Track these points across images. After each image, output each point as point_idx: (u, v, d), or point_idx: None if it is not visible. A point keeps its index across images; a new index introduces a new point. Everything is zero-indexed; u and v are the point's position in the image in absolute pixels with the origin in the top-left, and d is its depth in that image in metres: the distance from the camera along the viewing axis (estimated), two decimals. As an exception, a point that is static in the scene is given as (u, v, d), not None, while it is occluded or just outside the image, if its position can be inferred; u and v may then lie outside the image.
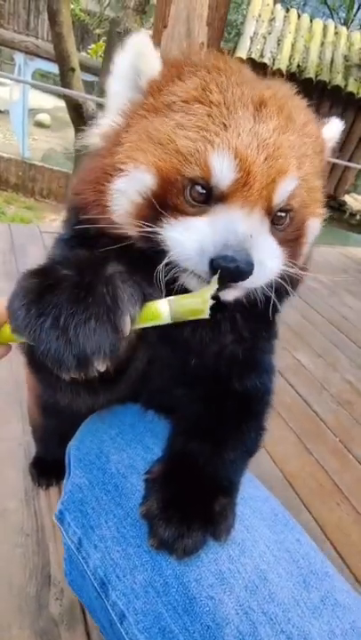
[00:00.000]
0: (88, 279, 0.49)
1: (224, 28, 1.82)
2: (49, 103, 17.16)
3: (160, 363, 0.71)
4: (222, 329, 0.70)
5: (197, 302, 0.50)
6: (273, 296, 0.61)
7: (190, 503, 0.67)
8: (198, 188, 0.56)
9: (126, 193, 0.60)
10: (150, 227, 0.57)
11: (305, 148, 0.61)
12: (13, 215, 11.41)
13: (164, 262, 0.57)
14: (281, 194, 0.57)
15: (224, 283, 0.53)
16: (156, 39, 1.77)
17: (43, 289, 0.47)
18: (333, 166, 6.69)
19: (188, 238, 0.55)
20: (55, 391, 0.59)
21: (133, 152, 0.60)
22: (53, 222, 9.22)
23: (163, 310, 0.50)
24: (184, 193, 0.57)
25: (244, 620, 0.58)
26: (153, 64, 0.63)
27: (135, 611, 0.62)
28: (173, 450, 0.75)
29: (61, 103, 17.60)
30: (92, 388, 0.52)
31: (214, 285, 0.50)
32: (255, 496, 0.77)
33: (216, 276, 0.51)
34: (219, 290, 0.53)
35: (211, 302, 0.50)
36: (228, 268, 0.51)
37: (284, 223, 0.61)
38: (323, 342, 3.07)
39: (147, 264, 0.57)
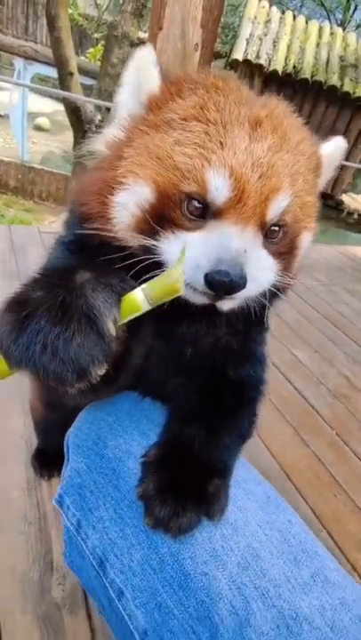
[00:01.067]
0: (61, 297, 0.50)
1: (218, 30, 1.87)
2: (48, 107, 17.26)
3: (156, 356, 0.74)
4: (217, 322, 0.74)
5: (170, 281, 0.50)
6: (266, 302, 0.65)
7: (185, 484, 0.69)
8: (195, 203, 0.59)
9: (127, 206, 0.63)
10: (149, 239, 0.60)
11: (298, 166, 0.63)
12: (13, 218, 11.47)
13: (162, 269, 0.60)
14: (274, 210, 0.60)
15: (219, 295, 0.56)
16: (152, 41, 1.81)
17: (22, 320, 0.49)
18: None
19: (188, 248, 0.57)
20: (63, 397, 0.64)
21: (134, 167, 0.63)
22: (52, 224, 9.27)
23: (140, 299, 0.51)
24: (181, 207, 0.60)
25: (236, 595, 0.61)
26: (153, 80, 0.66)
27: (133, 587, 0.66)
28: (169, 435, 0.78)
29: (60, 107, 17.71)
30: (96, 388, 0.54)
31: (180, 265, 0.51)
32: (248, 479, 0.80)
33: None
34: (215, 300, 0.57)
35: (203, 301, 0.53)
36: (222, 282, 0.54)
37: (277, 237, 0.63)
38: (319, 338, 3.10)
39: (117, 264, 0.59)
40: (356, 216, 6.99)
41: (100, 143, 0.73)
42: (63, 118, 16.96)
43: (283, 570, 0.65)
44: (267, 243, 0.62)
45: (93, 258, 0.64)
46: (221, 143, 0.58)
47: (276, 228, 0.63)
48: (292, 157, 0.62)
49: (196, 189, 0.58)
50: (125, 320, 0.53)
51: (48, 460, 1.59)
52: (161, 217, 0.60)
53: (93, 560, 0.71)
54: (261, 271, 0.60)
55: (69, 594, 1.27)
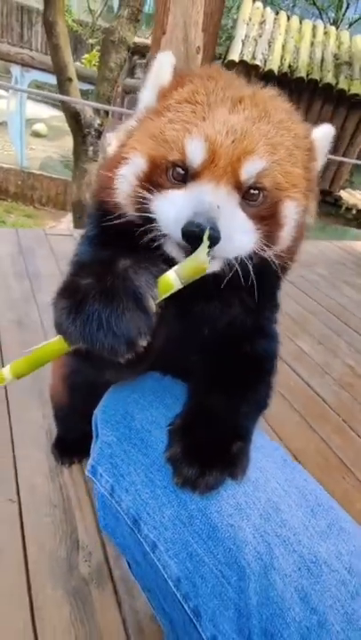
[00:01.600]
0: (109, 281, 0.59)
1: (218, 33, 1.95)
2: (45, 113, 17.40)
3: (176, 336, 0.80)
4: (231, 302, 0.80)
5: (197, 263, 0.58)
6: (252, 272, 0.67)
7: (210, 447, 0.75)
8: (178, 170, 0.67)
9: (126, 177, 0.72)
10: (142, 202, 0.68)
11: (280, 138, 0.69)
12: (13, 223, 11.58)
13: (155, 233, 0.67)
14: (247, 171, 0.65)
15: (195, 248, 0.60)
16: (155, 45, 1.89)
17: (78, 304, 0.57)
18: (328, 163, 6.81)
19: (167, 208, 0.65)
20: (104, 372, 0.73)
21: (135, 144, 0.72)
22: (53, 228, 9.37)
23: (173, 279, 0.60)
24: (167, 173, 0.68)
25: (260, 543, 0.67)
26: (166, 75, 0.76)
27: (165, 540, 0.72)
28: (192, 405, 0.83)
29: (57, 112, 17.86)
30: (132, 363, 0.61)
31: (205, 246, 0.58)
32: (266, 445, 0.87)
33: (205, 242, 0.58)
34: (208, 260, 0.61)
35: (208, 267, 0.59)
36: (194, 232, 0.59)
37: (257, 200, 0.68)
38: (323, 330, 3.17)
39: (149, 251, 0.68)
40: (354, 211, 7.06)
41: (121, 132, 0.82)
42: (60, 124, 17.13)
43: (301, 520, 0.71)
44: (245, 205, 0.67)
45: (112, 243, 0.72)
46: (204, 118, 0.66)
47: (256, 192, 0.67)
48: (273, 129, 0.68)
49: (178, 157, 0.66)
50: (162, 298, 0.60)
51: (68, 448, 1.66)
52: (152, 183, 0.68)
53: (128, 519, 0.77)
54: (237, 231, 0.64)
55: (96, 570, 1.34)
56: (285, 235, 0.74)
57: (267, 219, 0.70)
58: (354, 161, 6.18)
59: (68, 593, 1.26)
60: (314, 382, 2.54)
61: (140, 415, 0.84)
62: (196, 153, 0.64)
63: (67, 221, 11.95)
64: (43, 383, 1.99)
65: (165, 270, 0.61)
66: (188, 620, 0.69)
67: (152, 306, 0.58)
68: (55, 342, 0.62)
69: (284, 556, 0.66)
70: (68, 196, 12.69)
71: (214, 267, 0.68)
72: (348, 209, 7.03)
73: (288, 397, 2.34)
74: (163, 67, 0.76)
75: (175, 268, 0.61)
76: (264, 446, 0.84)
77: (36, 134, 16.19)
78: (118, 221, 0.72)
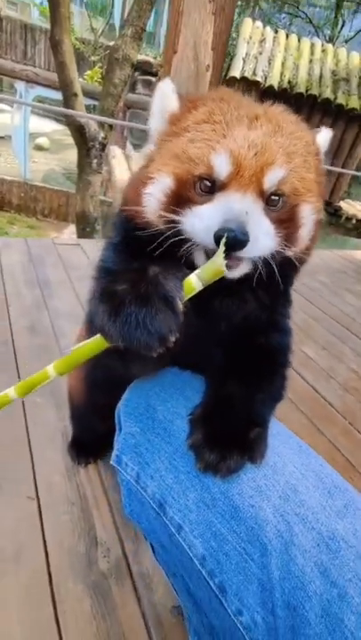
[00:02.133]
0: (143, 288, 0.66)
1: (226, 52, 2.05)
2: (47, 127, 17.74)
3: (194, 332, 0.87)
4: (246, 299, 0.86)
5: (215, 266, 0.66)
6: (276, 270, 0.74)
7: (229, 433, 0.80)
8: (205, 182, 0.73)
9: (154, 195, 0.78)
10: (172, 219, 0.74)
11: (294, 148, 0.76)
12: (16, 234, 11.72)
13: (185, 244, 0.74)
14: (270, 179, 0.72)
15: (228, 252, 0.66)
16: (167, 63, 1.99)
17: (116, 308, 0.65)
18: (328, 174, 6.96)
19: (198, 221, 0.72)
20: (133, 366, 0.82)
21: (159, 165, 0.78)
22: (56, 239, 9.48)
23: (194, 282, 0.67)
24: (195, 187, 0.74)
25: (280, 521, 0.71)
26: (172, 102, 0.82)
27: (190, 522, 0.75)
28: (211, 395, 0.88)
29: (59, 127, 18.19)
30: (158, 358, 0.67)
31: (221, 251, 0.65)
32: (282, 432, 0.91)
33: (222, 247, 0.65)
34: (225, 264, 0.67)
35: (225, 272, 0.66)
36: (228, 237, 0.66)
37: (277, 205, 0.75)
38: (327, 336, 3.23)
39: (173, 259, 0.74)
40: (354, 221, 7.19)
41: (141, 156, 0.91)
42: (62, 137, 17.45)
43: (319, 500, 0.75)
44: (268, 210, 0.73)
45: (137, 251, 0.78)
46: (224, 135, 0.73)
47: (276, 197, 0.74)
48: (287, 140, 0.75)
49: (204, 170, 0.72)
50: (186, 299, 0.68)
51: (84, 448, 1.71)
52: (180, 198, 0.75)
53: (153, 504, 0.81)
54: (262, 233, 0.71)
55: (114, 565, 1.37)
56: (304, 234, 0.81)
57: (286, 221, 0.76)
58: (353, 172, 6.32)
59: (88, 587, 1.30)
60: (320, 386, 2.59)
61: (162, 407, 0.88)
62: (222, 166, 0.71)
63: (69, 232, 12.09)
64: (56, 386, 2.04)
65: (188, 274, 0.68)
66: (214, 596, 0.73)
67: (180, 307, 0.65)
68: (94, 341, 0.68)
69: (304, 533, 0.70)
70: (70, 207, 12.88)
71: (243, 269, 0.75)
72: (348, 219, 7.16)
73: (295, 401, 2.39)
74: (166, 94, 0.83)
75: (196, 271, 0.68)
76: (280, 433, 0.88)
77: (39, 147, 16.48)
78: (148, 232, 0.78)
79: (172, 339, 0.65)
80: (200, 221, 0.71)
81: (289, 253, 0.77)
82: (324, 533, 0.70)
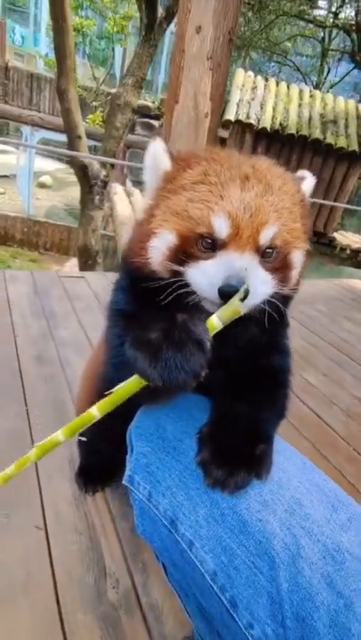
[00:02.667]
0: (177, 336, 0.73)
1: (223, 101, 2.23)
2: (50, 166, 18.51)
3: None
4: (249, 324, 0.92)
5: (233, 307, 0.74)
6: (280, 305, 0.84)
7: (236, 450, 0.83)
8: (206, 240, 0.81)
9: (159, 248, 0.86)
10: (176, 270, 0.83)
11: (283, 203, 0.84)
12: (19, 267, 11.96)
13: (190, 295, 0.82)
14: (264, 238, 0.80)
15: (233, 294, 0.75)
16: (170, 112, 2.17)
17: (155, 354, 0.72)
18: (321, 207, 7.26)
19: (202, 276, 0.80)
20: (161, 398, 0.88)
21: (161, 222, 0.86)
22: (61, 271, 9.68)
23: (215, 322, 0.75)
24: (197, 244, 0.81)
25: (287, 534, 0.74)
26: (165, 162, 0.90)
27: (200, 537, 0.78)
28: (217, 414, 0.92)
29: (61, 166, 18.95)
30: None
31: (239, 296, 0.73)
32: (286, 449, 0.94)
33: (238, 295, 0.74)
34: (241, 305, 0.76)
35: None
36: (230, 292, 0.74)
37: (271, 257, 0.83)
38: (327, 363, 3.28)
39: (178, 304, 0.82)
40: (348, 251, 7.42)
41: (141, 210, 0.98)
42: (64, 175, 18.16)
43: (323, 514, 0.77)
44: (263, 262, 0.82)
45: (145, 297, 0.86)
46: (221, 196, 0.80)
47: (270, 250, 0.83)
48: (277, 198, 0.83)
49: (206, 230, 0.80)
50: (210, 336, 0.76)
51: (91, 476, 1.72)
52: (183, 253, 0.83)
53: (165, 521, 0.84)
54: (259, 284, 0.79)
55: (123, 596, 1.35)
56: (295, 275, 0.90)
57: (280, 268, 0.85)
58: (344, 205, 6.59)
59: (98, 618, 1.28)
60: (322, 413, 2.61)
61: (171, 427, 0.92)
62: (222, 228, 0.79)
63: (70, 265, 12.34)
64: (64, 413, 2.08)
65: (210, 315, 0.76)
66: (226, 611, 0.74)
67: (208, 347, 0.73)
68: (132, 382, 0.75)
69: (310, 545, 0.72)
70: (71, 241, 13.24)
71: (244, 310, 0.82)
72: (343, 249, 7.39)
73: (298, 427, 2.41)
74: (158, 154, 0.91)
75: (217, 313, 0.76)
76: (284, 450, 0.92)
77: (42, 185, 17.12)
78: (154, 284, 0.85)
79: (203, 374, 0.72)
80: (204, 277, 0.79)
81: (285, 291, 0.86)
82: (329, 546, 0.73)
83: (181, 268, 0.81)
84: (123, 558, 1.47)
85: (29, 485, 1.67)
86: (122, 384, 0.75)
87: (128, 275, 0.96)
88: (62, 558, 1.43)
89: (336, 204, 6.70)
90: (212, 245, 0.80)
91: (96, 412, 0.74)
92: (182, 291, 0.81)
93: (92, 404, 1.42)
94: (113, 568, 1.43)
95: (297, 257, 0.88)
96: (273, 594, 0.70)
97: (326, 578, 0.70)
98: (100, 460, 1.69)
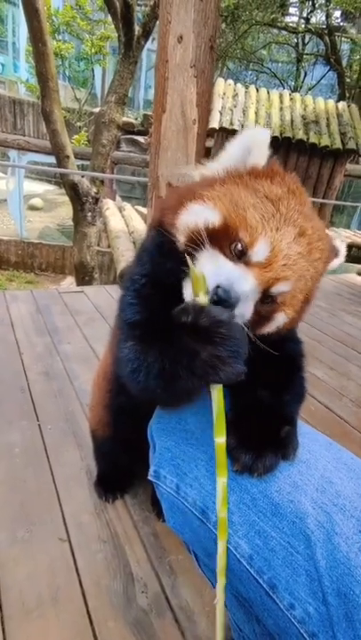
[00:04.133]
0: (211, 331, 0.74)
1: (210, 107, 2.28)
2: (40, 189, 18.73)
3: None
4: None
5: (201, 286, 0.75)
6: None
7: (261, 433, 0.83)
8: (240, 246, 0.80)
9: (197, 215, 0.83)
10: (197, 246, 0.81)
11: (308, 274, 0.84)
12: (16, 290, 11.99)
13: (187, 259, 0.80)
14: (278, 288, 0.81)
15: (215, 302, 0.75)
16: (157, 121, 2.22)
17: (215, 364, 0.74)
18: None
19: (212, 265, 0.78)
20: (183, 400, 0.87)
21: (219, 197, 0.83)
22: (60, 288, 9.71)
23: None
24: (230, 241, 0.80)
25: (320, 512, 0.74)
26: (262, 158, 0.87)
27: (233, 524, 0.78)
28: (238, 400, 0.91)
29: (51, 187, 19.13)
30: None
31: (210, 294, 0.75)
32: (310, 431, 0.94)
33: (214, 293, 0.75)
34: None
35: None
36: (222, 297, 0.74)
37: (265, 303, 0.83)
38: (333, 357, 3.29)
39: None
40: (341, 247, 7.52)
41: (198, 172, 0.94)
42: (54, 197, 18.32)
43: (354, 490, 0.78)
44: (257, 301, 0.81)
45: (166, 257, 0.86)
46: (278, 229, 0.80)
47: (268, 299, 0.83)
48: (308, 266, 0.83)
49: (247, 240, 0.79)
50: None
51: (110, 484, 1.71)
52: (214, 237, 0.81)
53: (196, 511, 0.84)
54: (239, 317, 0.79)
55: (153, 600, 1.34)
56: (265, 329, 0.88)
57: (261, 316, 0.84)
58: (334, 202, 6.68)
59: (130, 625, 1.27)
60: (333, 405, 2.61)
61: (193, 418, 0.92)
62: (259, 253, 0.78)
63: (67, 284, 12.38)
64: (76, 426, 2.08)
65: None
66: (265, 593, 0.74)
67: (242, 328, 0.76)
68: (217, 393, 0.78)
69: (344, 521, 0.73)
70: (66, 260, 13.30)
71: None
72: (336, 245, 7.48)
73: (311, 422, 2.41)
74: (261, 145, 0.86)
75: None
76: (308, 432, 0.92)
77: (33, 207, 17.26)
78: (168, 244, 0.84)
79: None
80: (215, 267, 0.78)
81: (261, 329, 0.86)
82: None
83: (200, 249, 0.80)
84: (149, 562, 1.46)
85: (49, 499, 1.67)
86: (213, 402, 0.78)
87: (157, 245, 0.91)
88: (88, 568, 1.42)
89: (325, 201, 6.79)
90: (240, 254, 0.79)
91: (220, 439, 0.78)
92: (188, 253, 0.80)
93: (101, 412, 1.43)
94: (140, 573, 1.42)
95: (279, 319, 0.87)
96: (311, 572, 0.70)
97: None
98: (118, 466, 1.69)
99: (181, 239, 0.85)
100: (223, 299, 0.74)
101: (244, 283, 0.76)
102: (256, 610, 0.81)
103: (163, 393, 0.83)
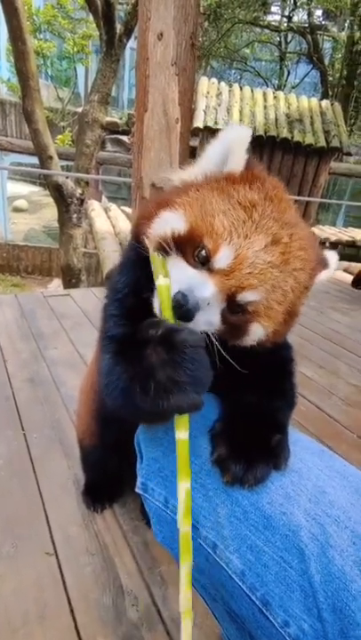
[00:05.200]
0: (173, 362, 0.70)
1: (192, 106, 2.26)
2: (24, 190, 18.46)
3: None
4: None
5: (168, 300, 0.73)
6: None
7: (251, 443, 0.80)
8: (203, 253, 0.77)
9: (166, 223, 0.81)
10: (165, 253, 0.79)
11: (284, 285, 0.79)
12: (1, 293, 11.80)
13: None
14: (243, 297, 0.77)
15: (176, 312, 0.73)
16: (140, 120, 2.18)
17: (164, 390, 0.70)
18: (296, 204, 7.38)
19: (176, 272, 0.76)
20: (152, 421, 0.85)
21: (190, 204, 0.81)
22: (46, 291, 9.58)
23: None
24: (194, 247, 0.78)
25: (313, 525, 0.71)
26: (239, 163, 0.83)
27: (224, 538, 0.75)
28: (228, 409, 0.89)
29: (35, 188, 18.90)
30: None
31: (173, 303, 0.73)
32: (302, 439, 0.91)
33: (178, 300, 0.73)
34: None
35: None
36: (178, 301, 0.72)
37: (235, 313, 0.79)
38: (322, 355, 3.29)
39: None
40: (327, 244, 7.56)
41: (179, 177, 0.91)
42: (39, 198, 18.09)
43: (348, 499, 0.76)
44: (226, 310, 0.78)
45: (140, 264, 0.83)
46: (246, 236, 0.76)
47: (238, 308, 0.78)
48: (284, 277, 0.78)
49: (210, 247, 0.76)
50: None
51: (98, 493, 1.67)
52: (180, 245, 0.79)
53: None
54: (202, 323, 0.76)
55: (144, 613, 1.30)
56: (244, 341, 0.84)
57: (234, 327, 0.80)
58: (319, 200, 6.71)
59: (119, 639, 1.23)
60: (323, 404, 2.61)
61: None
62: (222, 260, 0.75)
63: (54, 286, 12.24)
64: (62, 433, 2.03)
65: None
66: (258, 611, 0.71)
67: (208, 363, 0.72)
68: (179, 421, 0.74)
69: (338, 533, 0.70)
70: (52, 262, 13.14)
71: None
72: (322, 243, 7.53)
73: (301, 421, 2.40)
74: (238, 150, 0.82)
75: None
76: (300, 440, 0.89)
77: (18, 209, 17.04)
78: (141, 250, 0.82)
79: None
80: (177, 273, 0.76)
81: (230, 343, 0.82)
82: (357, 530, 0.71)
83: (165, 255, 0.78)
84: (139, 573, 1.42)
85: (35, 511, 1.61)
86: (176, 435, 0.74)
87: (133, 246, 0.89)
88: (77, 582, 1.38)
89: (311, 199, 6.83)
90: (204, 261, 0.76)
91: (182, 434, 0.74)
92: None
93: (88, 420, 1.39)
94: (130, 585, 1.38)
95: (256, 332, 0.83)
96: (306, 587, 0.68)
97: (359, 564, 0.67)
98: (106, 475, 1.65)
99: (152, 248, 0.82)
100: (181, 304, 0.71)
101: (203, 289, 0.73)
102: (249, 627, 0.78)
103: (128, 411, 0.80)
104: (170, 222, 0.80)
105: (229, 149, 0.83)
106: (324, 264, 0.88)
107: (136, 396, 0.71)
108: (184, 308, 0.72)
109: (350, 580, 0.67)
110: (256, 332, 0.82)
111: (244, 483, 0.76)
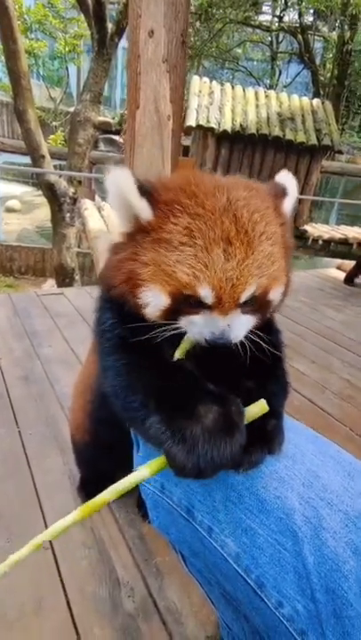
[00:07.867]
0: (212, 425, 0.73)
1: (183, 103, 2.27)
2: (17, 190, 18.34)
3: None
4: None
5: (259, 409, 0.78)
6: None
7: (247, 428, 0.80)
8: (193, 302, 0.82)
9: (151, 304, 0.85)
10: (172, 324, 0.84)
11: (264, 253, 0.82)
12: (-5, 295, 11.72)
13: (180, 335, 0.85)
14: (244, 297, 0.81)
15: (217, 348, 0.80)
16: (132, 117, 2.18)
17: (192, 446, 0.70)
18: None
19: (192, 327, 0.82)
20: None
21: (151, 278, 0.84)
22: (40, 290, 9.52)
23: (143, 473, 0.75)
24: (186, 301, 0.82)
25: (307, 507, 0.73)
26: (144, 210, 0.84)
27: (219, 522, 0.77)
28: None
29: (28, 188, 18.80)
30: None
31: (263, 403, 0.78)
32: (296, 425, 0.93)
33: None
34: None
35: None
36: (216, 345, 0.79)
37: (251, 304, 0.84)
38: (315, 350, 3.32)
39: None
40: (320, 242, 7.60)
41: (116, 233, 0.95)
42: (32, 198, 18.00)
43: (341, 483, 0.77)
44: (244, 308, 0.83)
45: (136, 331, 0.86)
46: (206, 265, 0.79)
47: (250, 300, 0.83)
48: (259, 252, 0.82)
49: (192, 293, 0.81)
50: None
51: (94, 488, 1.67)
52: (175, 307, 0.83)
53: (181, 510, 0.82)
54: (241, 330, 0.83)
55: (140, 604, 1.32)
56: (275, 304, 0.90)
57: (260, 307, 0.86)
58: (312, 197, 6.76)
59: (116, 631, 1.24)
60: (316, 398, 2.64)
61: None
62: (206, 296, 0.80)
63: (48, 286, 12.16)
64: (57, 430, 2.03)
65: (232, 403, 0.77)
66: (253, 592, 0.73)
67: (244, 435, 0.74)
68: (156, 464, 0.74)
69: (331, 515, 0.72)
70: (46, 262, 13.07)
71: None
72: (315, 240, 7.56)
73: (295, 415, 2.41)
74: (131, 197, 0.83)
75: (147, 464, 0.76)
76: (294, 426, 0.91)
77: (11, 210, 16.90)
78: (147, 324, 0.86)
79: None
80: (194, 327, 0.83)
81: (261, 322, 0.87)
82: (350, 513, 0.73)
83: (176, 324, 0.84)
84: (135, 565, 1.44)
85: (30, 507, 1.62)
86: (147, 464, 0.75)
87: (113, 308, 0.93)
88: (73, 575, 1.38)
89: (304, 196, 6.87)
90: (199, 304, 0.81)
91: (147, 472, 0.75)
92: (176, 332, 0.84)
93: (82, 418, 1.40)
94: (126, 577, 1.39)
95: (276, 293, 0.88)
96: (299, 569, 0.69)
97: (351, 546, 0.69)
98: (101, 469, 1.65)
99: (156, 319, 0.86)
100: (216, 346, 0.79)
101: (218, 324, 0.80)
102: (244, 608, 0.80)
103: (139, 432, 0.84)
104: (155, 303, 0.84)
105: (123, 199, 0.84)
106: (283, 194, 0.92)
107: (175, 453, 0.71)
108: (222, 346, 0.79)
109: (343, 562, 0.68)
110: (277, 293, 0.88)
111: (239, 467, 0.77)
